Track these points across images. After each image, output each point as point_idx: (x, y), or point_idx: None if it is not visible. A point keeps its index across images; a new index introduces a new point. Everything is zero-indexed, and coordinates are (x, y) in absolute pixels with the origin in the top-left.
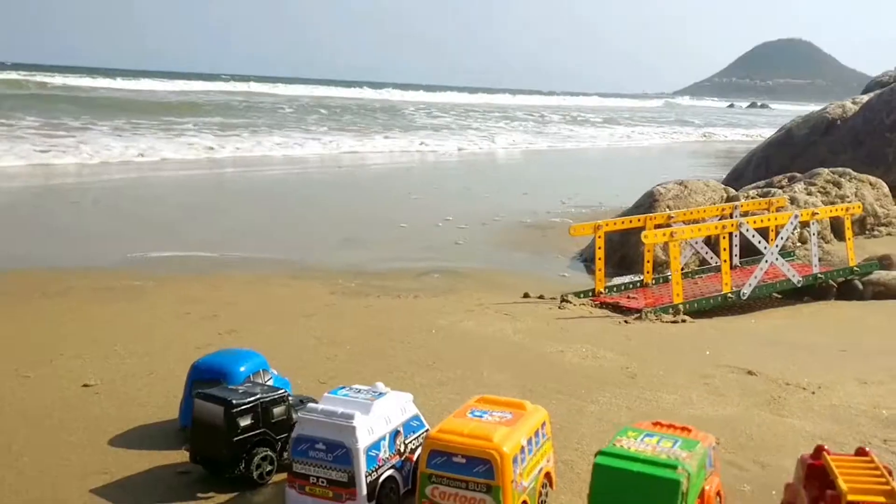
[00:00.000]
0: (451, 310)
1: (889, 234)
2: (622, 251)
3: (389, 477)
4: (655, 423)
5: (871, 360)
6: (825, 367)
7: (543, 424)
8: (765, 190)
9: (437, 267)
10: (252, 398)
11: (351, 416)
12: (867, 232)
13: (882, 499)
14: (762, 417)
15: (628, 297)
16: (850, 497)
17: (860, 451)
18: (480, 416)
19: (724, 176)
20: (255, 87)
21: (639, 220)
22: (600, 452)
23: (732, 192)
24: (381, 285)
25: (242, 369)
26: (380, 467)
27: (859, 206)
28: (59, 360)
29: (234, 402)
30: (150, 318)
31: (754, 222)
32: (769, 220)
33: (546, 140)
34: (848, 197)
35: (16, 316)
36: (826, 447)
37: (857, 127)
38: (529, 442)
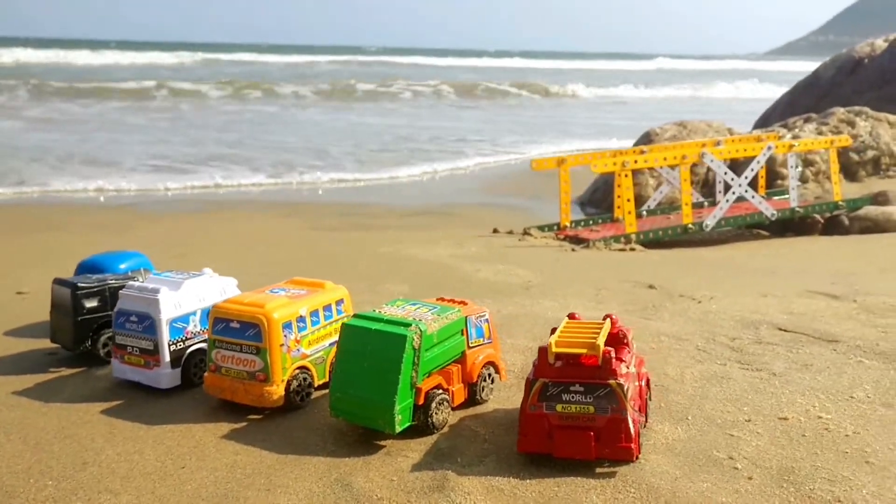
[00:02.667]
0: (408, 240)
1: None
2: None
3: (199, 349)
4: (439, 299)
5: (790, 280)
6: (738, 284)
7: (340, 301)
8: (769, 130)
9: (436, 207)
10: (99, 283)
11: (157, 291)
12: (882, 172)
13: (583, 350)
14: (625, 319)
15: (591, 230)
16: (556, 349)
17: (606, 317)
18: (277, 292)
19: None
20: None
21: (603, 155)
22: (354, 315)
23: (737, 132)
24: (365, 223)
25: (122, 266)
26: (187, 339)
27: (847, 139)
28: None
29: (80, 284)
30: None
31: (721, 154)
32: (739, 151)
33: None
34: (861, 136)
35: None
36: (575, 314)
37: (883, 65)
38: (315, 314)
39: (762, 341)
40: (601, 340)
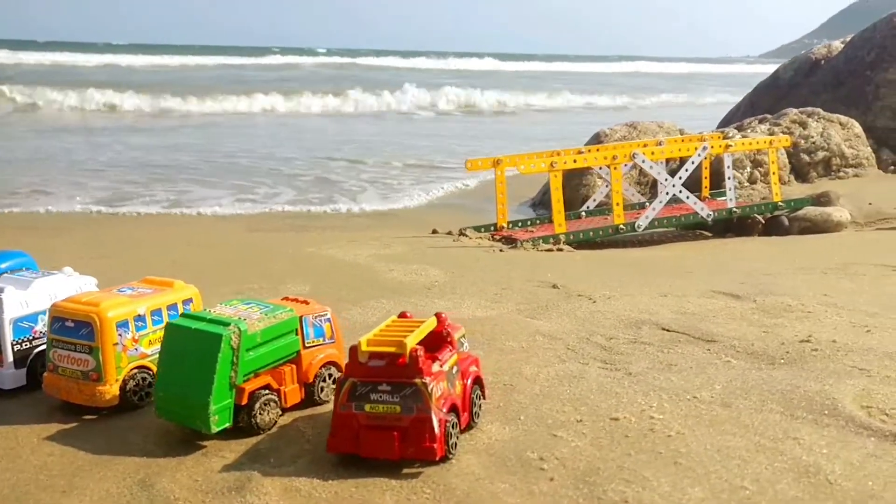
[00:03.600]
0: (337, 241)
1: (857, 175)
2: (565, 193)
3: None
4: (283, 298)
5: (701, 280)
6: (645, 283)
7: (189, 301)
8: (723, 130)
9: (387, 209)
10: None
11: (1, 290)
12: (832, 173)
13: (393, 348)
14: (511, 318)
15: (526, 231)
16: (365, 347)
17: (401, 315)
18: (123, 291)
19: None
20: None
21: (539, 156)
22: (182, 315)
23: (689, 133)
24: (308, 224)
25: (3, 266)
26: (34, 339)
27: (787, 140)
28: None
29: None
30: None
31: (652, 154)
32: (675, 151)
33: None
34: (812, 137)
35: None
36: (407, 312)
37: (838, 66)
38: (157, 313)
39: (637, 341)
40: (412, 339)
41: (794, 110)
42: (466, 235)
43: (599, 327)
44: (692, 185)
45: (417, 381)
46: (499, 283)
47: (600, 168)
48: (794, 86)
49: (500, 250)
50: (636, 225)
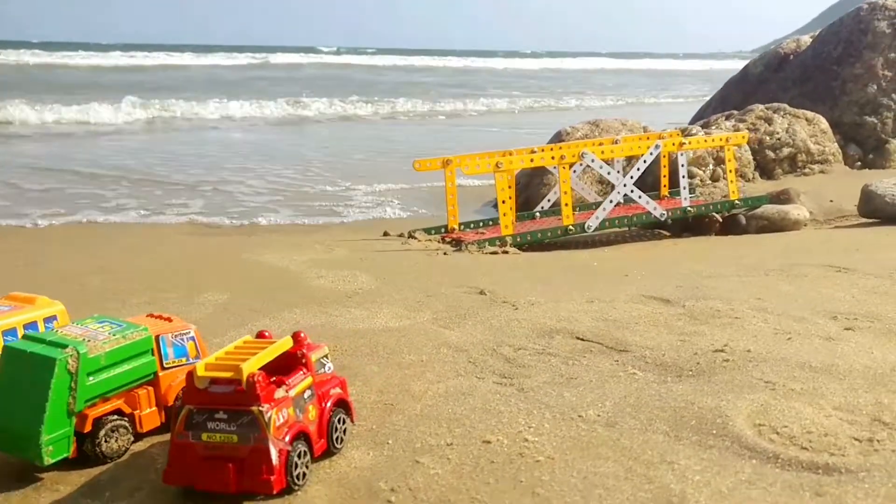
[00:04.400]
0: (276, 245)
1: (822, 171)
2: (526, 193)
3: None
4: (148, 315)
5: (635, 283)
6: (577, 288)
7: (52, 318)
8: (687, 127)
9: (342, 212)
10: None
11: None
12: (798, 170)
13: (230, 373)
14: (423, 328)
15: (476, 232)
16: (202, 373)
17: (259, 334)
18: None
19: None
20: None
21: (491, 156)
22: (23, 336)
23: (652, 130)
24: (255, 228)
25: None
26: None
27: (743, 137)
28: None
29: None
30: None
31: (602, 153)
32: (624, 150)
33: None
34: (778, 133)
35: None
36: (265, 332)
37: (806, 61)
38: (12, 332)
39: (545, 352)
40: (252, 363)
41: (761, 106)
42: (416, 238)
43: (511, 337)
44: (656, 183)
45: (254, 408)
46: (426, 290)
47: (554, 168)
48: (763, 81)
49: (445, 253)
50: (586, 226)
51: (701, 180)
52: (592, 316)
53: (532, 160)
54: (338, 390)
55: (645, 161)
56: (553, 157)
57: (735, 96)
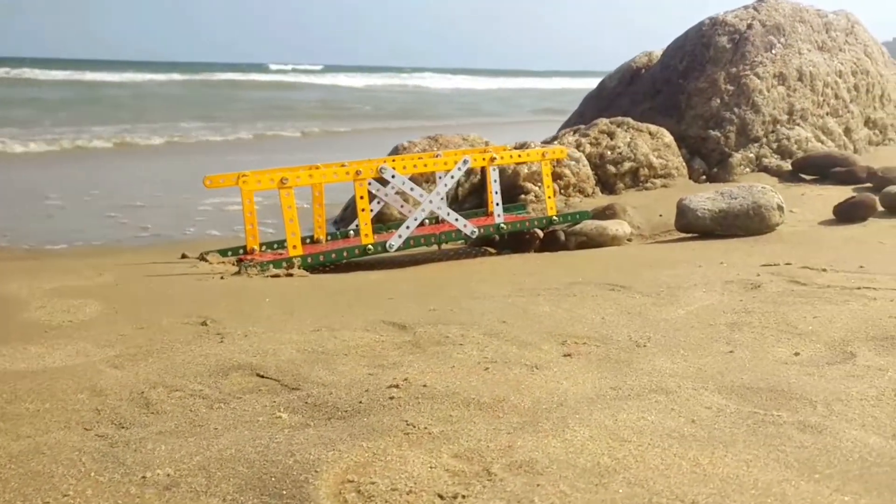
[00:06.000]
0: (36, 272)
1: (664, 185)
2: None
3: None
4: None
5: (387, 308)
6: (318, 315)
7: None
8: (523, 142)
9: (166, 235)
10: None
11: None
12: (640, 184)
13: None
14: (85, 368)
15: (276, 253)
16: None
17: None
18: None
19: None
20: None
21: (273, 172)
22: None
23: (494, 145)
24: (53, 252)
25: None
26: None
27: (561, 151)
28: None
29: None
30: None
31: (404, 168)
32: (430, 165)
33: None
34: (619, 147)
35: None
36: None
37: (655, 75)
38: None
39: (199, 393)
40: None
41: (605, 120)
42: (207, 260)
43: (177, 376)
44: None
45: None
46: (146, 321)
47: (370, 182)
48: (617, 95)
49: (222, 277)
50: (388, 245)
51: (536, 196)
52: (300, 348)
53: (324, 175)
54: None
55: (452, 177)
56: (348, 173)
57: (591, 111)
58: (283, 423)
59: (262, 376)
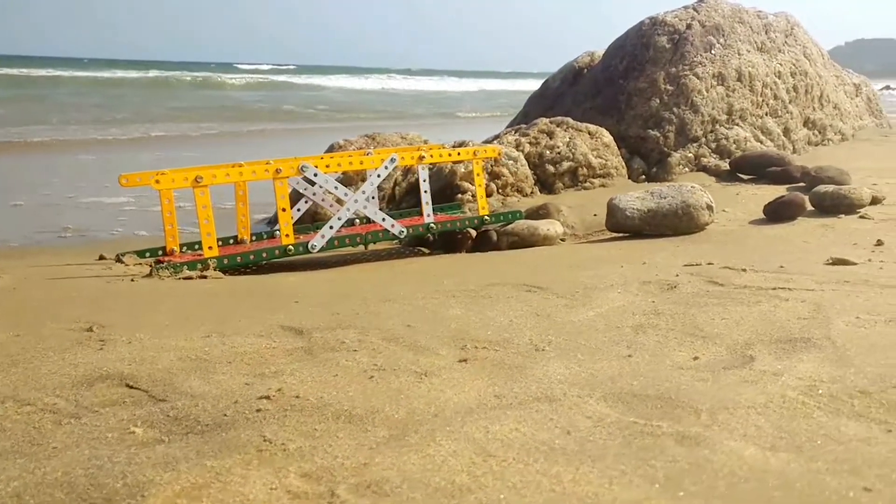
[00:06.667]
0: None
1: (603, 185)
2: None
3: None
4: None
5: (286, 312)
6: (212, 321)
7: None
8: (461, 141)
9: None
10: None
11: None
12: (579, 184)
13: None
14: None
15: (195, 255)
16: None
17: None
18: None
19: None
20: None
21: (195, 170)
22: None
23: (433, 143)
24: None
25: None
26: None
27: (493, 150)
28: None
29: None
30: None
31: (328, 167)
32: (356, 163)
33: None
34: (558, 147)
35: None
36: None
37: (597, 75)
38: None
39: (49, 408)
40: None
41: (545, 120)
42: (122, 262)
43: (36, 389)
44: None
45: None
46: (27, 328)
47: (298, 181)
48: (560, 95)
49: (133, 280)
50: (310, 245)
51: (473, 195)
52: (182, 355)
53: (241, 174)
54: None
55: (379, 175)
56: (267, 171)
57: (535, 111)
58: (133, 439)
59: (131, 386)
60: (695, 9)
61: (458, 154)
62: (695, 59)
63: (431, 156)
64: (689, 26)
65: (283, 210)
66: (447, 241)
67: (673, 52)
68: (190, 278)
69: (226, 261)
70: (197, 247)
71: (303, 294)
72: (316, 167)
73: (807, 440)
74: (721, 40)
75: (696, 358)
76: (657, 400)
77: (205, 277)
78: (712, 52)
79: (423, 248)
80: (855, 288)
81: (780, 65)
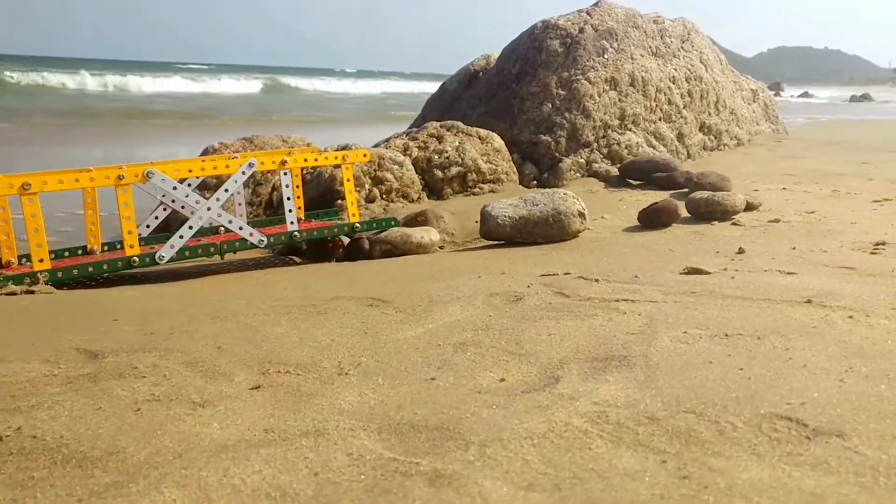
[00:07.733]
0: None
1: (492, 191)
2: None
3: None
4: None
5: (83, 332)
6: (36, 336)
7: None
8: (345, 144)
9: None
10: None
11: None
12: (468, 189)
13: None
14: None
15: (31, 267)
16: None
17: None
18: None
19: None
20: None
21: (24, 176)
22: None
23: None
24: None
25: None
26: None
27: (364, 154)
28: None
29: None
30: None
31: (177, 172)
32: (209, 168)
33: None
34: (447, 152)
35: None
36: None
37: (491, 79)
38: None
39: None
40: None
41: (436, 124)
42: None
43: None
44: (314, 203)
45: None
46: None
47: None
48: (456, 98)
49: None
50: (157, 256)
51: (359, 201)
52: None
53: (77, 181)
54: None
55: (236, 181)
56: (108, 177)
57: (432, 115)
58: None
59: None
60: (588, 13)
61: (326, 158)
62: (587, 63)
63: (295, 160)
64: (581, 30)
65: (128, 219)
66: (317, 250)
67: (565, 56)
68: (14, 294)
69: (60, 274)
70: (53, 255)
71: (128, 310)
72: (164, 173)
73: (570, 476)
74: (614, 45)
75: (502, 380)
76: (434, 431)
77: (32, 293)
78: (605, 56)
79: (294, 258)
80: (698, 300)
81: (675, 70)
